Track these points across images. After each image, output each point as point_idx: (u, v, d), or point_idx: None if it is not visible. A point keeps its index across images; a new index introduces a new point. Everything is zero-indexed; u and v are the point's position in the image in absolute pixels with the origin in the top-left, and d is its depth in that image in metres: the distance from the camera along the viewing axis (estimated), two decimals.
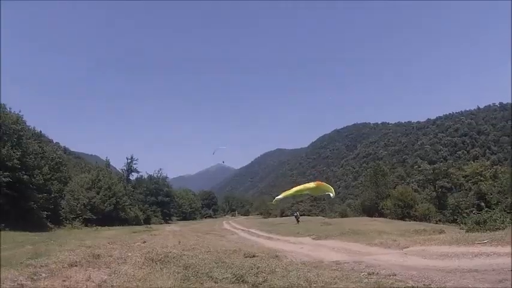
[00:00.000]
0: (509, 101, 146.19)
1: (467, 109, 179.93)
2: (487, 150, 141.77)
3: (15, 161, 25.07)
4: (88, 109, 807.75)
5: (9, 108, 28.21)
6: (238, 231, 30.36)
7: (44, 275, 6.31)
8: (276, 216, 68.56)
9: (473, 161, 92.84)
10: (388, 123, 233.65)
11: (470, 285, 5.71)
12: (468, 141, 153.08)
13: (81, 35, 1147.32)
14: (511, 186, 36.14)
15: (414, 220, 38.98)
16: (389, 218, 40.24)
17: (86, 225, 34.84)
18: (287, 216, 58.05)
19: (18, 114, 28.59)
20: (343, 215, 54.29)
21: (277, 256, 10.75)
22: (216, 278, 6.37)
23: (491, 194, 38.45)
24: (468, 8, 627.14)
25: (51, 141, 70.91)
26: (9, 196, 24.69)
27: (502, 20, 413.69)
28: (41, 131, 45.41)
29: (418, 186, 72.43)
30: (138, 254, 9.43)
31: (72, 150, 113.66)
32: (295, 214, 39.88)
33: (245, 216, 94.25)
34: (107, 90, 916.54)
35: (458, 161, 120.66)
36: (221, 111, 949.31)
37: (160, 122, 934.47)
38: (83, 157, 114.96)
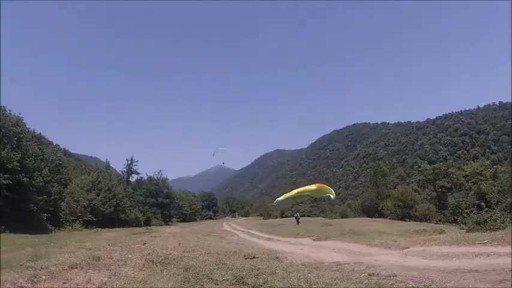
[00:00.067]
0: (509, 100, 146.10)
1: (467, 109, 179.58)
2: (487, 149, 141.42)
3: (15, 163, 25.09)
4: (88, 109, 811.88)
5: (9, 111, 28.32)
6: (239, 233, 30.37)
7: (44, 277, 6.30)
8: (276, 217, 68.38)
9: (473, 160, 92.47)
10: (388, 123, 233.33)
11: (470, 286, 5.71)
12: (468, 141, 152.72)
13: (81, 35, 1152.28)
14: (511, 185, 36.05)
15: (414, 220, 38.95)
16: (390, 219, 40.18)
17: (86, 227, 34.90)
18: (287, 217, 58.01)
19: (18, 116, 28.65)
20: (343, 215, 54.18)
21: (277, 257, 10.76)
22: (217, 279, 6.37)
23: (491, 194, 38.35)
24: (468, 8, 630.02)
25: (51, 143, 71.13)
26: (9, 198, 24.70)
27: (502, 20, 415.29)
28: (40, 133, 45.51)
29: (418, 186, 72.41)
30: (138, 256, 9.43)
31: (72, 152, 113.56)
32: (296, 215, 39.89)
33: (245, 218, 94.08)
34: (107, 91, 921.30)
35: (458, 160, 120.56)
36: (221, 111, 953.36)
37: (160, 122, 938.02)
38: (83, 159, 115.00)
